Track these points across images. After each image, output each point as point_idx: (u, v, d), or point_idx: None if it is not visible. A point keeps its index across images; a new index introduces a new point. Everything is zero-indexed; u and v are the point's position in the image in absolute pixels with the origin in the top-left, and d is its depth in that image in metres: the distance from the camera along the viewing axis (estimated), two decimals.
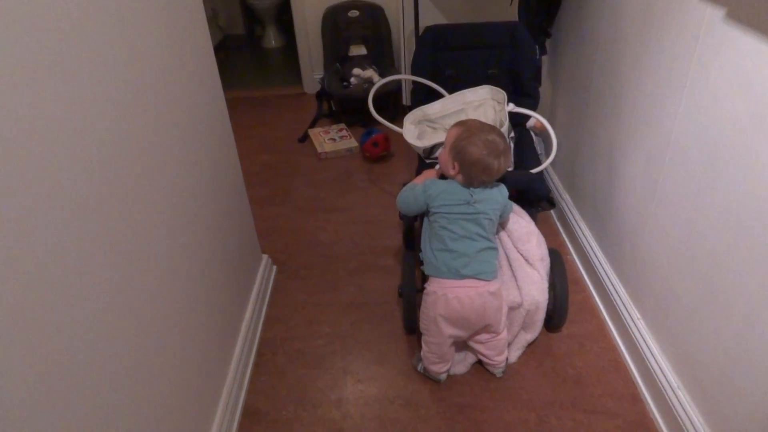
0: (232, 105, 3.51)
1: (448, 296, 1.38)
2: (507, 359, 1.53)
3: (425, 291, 1.45)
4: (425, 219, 1.49)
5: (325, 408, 1.48)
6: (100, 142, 0.85)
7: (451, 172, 1.41)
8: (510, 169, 1.70)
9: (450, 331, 1.41)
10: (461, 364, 1.55)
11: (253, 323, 1.67)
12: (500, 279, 1.45)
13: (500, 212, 1.45)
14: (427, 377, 1.53)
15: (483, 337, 1.47)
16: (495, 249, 1.44)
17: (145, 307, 0.99)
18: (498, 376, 1.52)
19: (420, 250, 1.51)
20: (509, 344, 1.55)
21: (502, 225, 1.59)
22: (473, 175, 1.38)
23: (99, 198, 0.85)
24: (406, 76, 2.07)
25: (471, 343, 1.50)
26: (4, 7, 0.65)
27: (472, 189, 1.40)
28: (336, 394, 1.52)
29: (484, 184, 1.41)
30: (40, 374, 0.70)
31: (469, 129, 1.39)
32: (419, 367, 1.55)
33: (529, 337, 1.58)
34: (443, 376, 1.52)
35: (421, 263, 1.49)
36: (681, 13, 1.22)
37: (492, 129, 1.40)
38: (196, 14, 1.35)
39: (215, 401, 1.35)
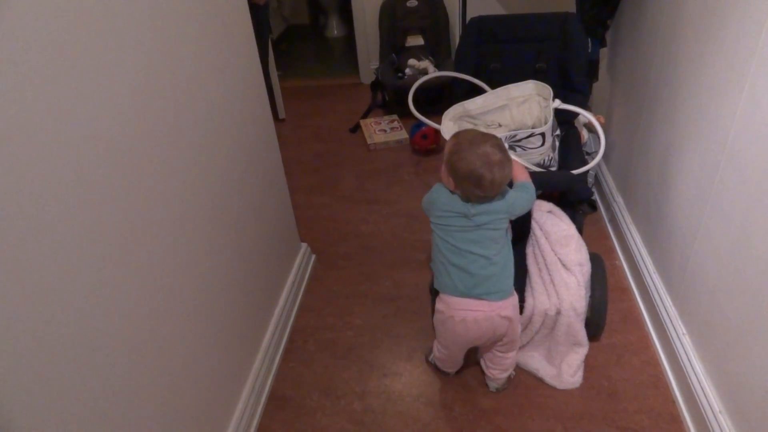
0: (290, 94, 3.56)
1: (455, 319, 1.32)
2: (510, 376, 1.48)
3: (435, 307, 1.38)
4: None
5: (348, 399, 1.49)
6: (131, 138, 0.89)
7: (451, 187, 1.32)
8: (554, 169, 1.63)
9: (460, 345, 1.40)
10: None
11: (287, 310, 1.71)
12: (515, 296, 1.35)
13: (508, 217, 1.33)
14: (437, 369, 1.54)
15: (491, 353, 1.43)
16: (507, 264, 1.33)
17: (173, 287, 1.03)
18: (491, 390, 1.47)
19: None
20: (565, 365, 1.48)
21: (537, 224, 1.52)
22: (467, 190, 1.28)
23: (131, 189, 0.88)
24: (446, 73, 1.95)
25: (480, 350, 1.47)
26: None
27: (471, 204, 1.30)
28: (360, 387, 1.52)
29: (482, 199, 1.29)
30: (64, 354, 0.75)
31: (459, 143, 1.28)
32: (430, 358, 1.56)
33: (581, 351, 1.48)
34: (452, 372, 1.52)
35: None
36: (743, 3, 1.11)
37: (487, 139, 1.27)
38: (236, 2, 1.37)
39: (241, 384, 1.39)
